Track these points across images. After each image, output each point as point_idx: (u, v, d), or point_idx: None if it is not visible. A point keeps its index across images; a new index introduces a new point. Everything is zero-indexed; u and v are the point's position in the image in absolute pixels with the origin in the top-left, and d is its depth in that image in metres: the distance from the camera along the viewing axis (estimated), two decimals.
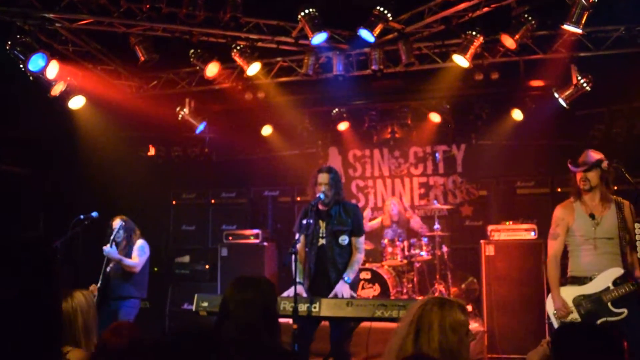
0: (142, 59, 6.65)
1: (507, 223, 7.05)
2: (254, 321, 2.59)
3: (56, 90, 6.59)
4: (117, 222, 5.78)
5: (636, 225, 4.01)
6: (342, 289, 4.56)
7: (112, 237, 5.60)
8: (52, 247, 1.90)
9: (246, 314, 2.59)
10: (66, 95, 6.77)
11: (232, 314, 2.61)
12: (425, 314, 2.28)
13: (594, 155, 4.31)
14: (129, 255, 5.74)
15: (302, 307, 4.05)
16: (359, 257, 4.79)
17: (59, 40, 6.67)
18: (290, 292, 4.39)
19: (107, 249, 5.52)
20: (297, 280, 4.60)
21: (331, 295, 4.54)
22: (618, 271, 4.16)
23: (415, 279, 7.52)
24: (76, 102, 6.95)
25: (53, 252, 2.00)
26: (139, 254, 5.79)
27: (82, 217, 5.48)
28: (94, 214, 5.57)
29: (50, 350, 1.71)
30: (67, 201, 7.38)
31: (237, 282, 2.75)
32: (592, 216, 4.28)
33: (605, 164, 4.19)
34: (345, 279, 4.64)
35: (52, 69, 6.29)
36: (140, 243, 5.85)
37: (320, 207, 4.77)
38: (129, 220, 5.90)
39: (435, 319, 2.26)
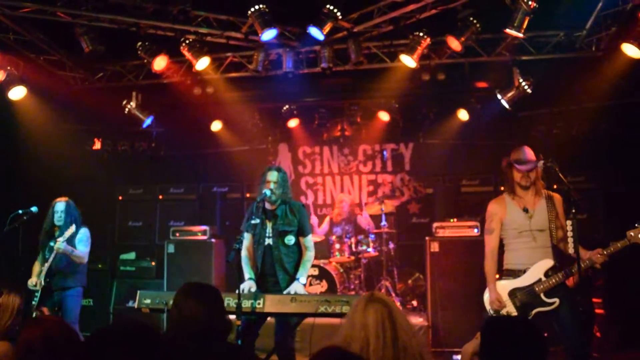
0: (87, 50, 6.49)
1: (452, 220, 7.22)
2: (204, 328, 2.60)
3: None
4: (60, 205, 5.62)
5: (567, 222, 4.18)
6: (295, 288, 4.58)
7: (65, 236, 5.38)
8: None
9: (195, 322, 2.60)
10: (6, 85, 6.57)
11: (182, 321, 2.62)
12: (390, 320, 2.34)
13: (531, 152, 4.48)
14: (73, 242, 5.55)
15: (246, 303, 4.05)
16: (310, 255, 4.81)
17: None
18: (243, 287, 4.41)
19: (62, 245, 5.29)
20: (248, 276, 4.61)
21: (285, 293, 4.55)
22: (548, 263, 4.33)
23: (362, 275, 7.61)
24: (17, 93, 6.73)
25: None
26: (86, 244, 5.62)
27: (20, 212, 5.30)
28: (34, 208, 5.39)
29: None
30: (6, 196, 7.12)
31: (185, 290, 2.75)
32: (525, 210, 4.43)
33: (540, 163, 4.36)
34: (299, 279, 4.66)
35: None
36: (84, 231, 5.68)
37: (267, 206, 4.78)
38: (72, 204, 5.72)
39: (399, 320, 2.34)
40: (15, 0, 5.94)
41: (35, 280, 5.41)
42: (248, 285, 4.57)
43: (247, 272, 4.69)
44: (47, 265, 5.39)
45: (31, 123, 7.36)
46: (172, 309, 2.70)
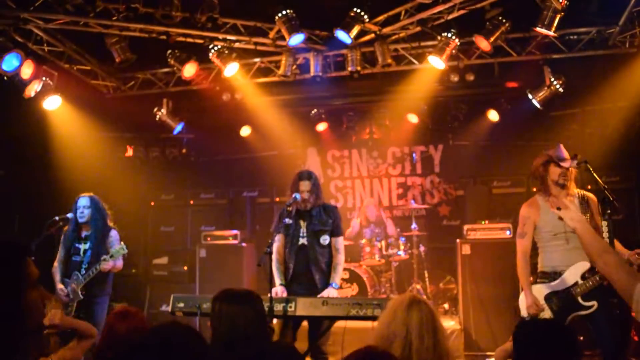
0: (119, 59, 6.64)
1: (483, 222, 7.13)
2: (253, 333, 2.61)
3: (31, 90, 6.52)
4: (84, 200, 5.45)
5: (603, 222, 4.07)
6: (329, 293, 4.63)
7: (112, 256, 5.24)
8: (20, 247, 1.90)
9: (245, 329, 2.61)
10: (41, 95, 6.70)
11: (230, 327, 2.62)
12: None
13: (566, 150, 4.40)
14: (105, 246, 5.44)
15: (278, 307, 4.07)
16: (341, 258, 4.86)
17: (33, 40, 6.59)
18: (273, 292, 4.44)
19: (109, 264, 5.21)
20: (279, 282, 4.65)
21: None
22: (585, 265, 4.19)
23: (393, 279, 7.57)
24: (52, 103, 6.87)
25: (22, 252, 1.98)
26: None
27: (57, 218, 5.38)
28: (70, 215, 5.46)
29: (11, 348, 1.69)
30: (43, 202, 7.30)
31: (226, 296, 2.74)
32: (559, 209, 4.31)
33: (574, 163, 4.28)
34: (333, 284, 4.72)
35: (27, 69, 6.24)
36: (115, 234, 5.56)
37: (300, 208, 4.83)
38: (97, 199, 5.55)
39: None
40: (48, 13, 6.09)
41: (67, 292, 5.32)
42: (280, 290, 4.61)
43: (278, 278, 4.72)
44: (85, 278, 5.27)
45: (66, 132, 7.52)
46: (218, 317, 2.66)
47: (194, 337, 1.98)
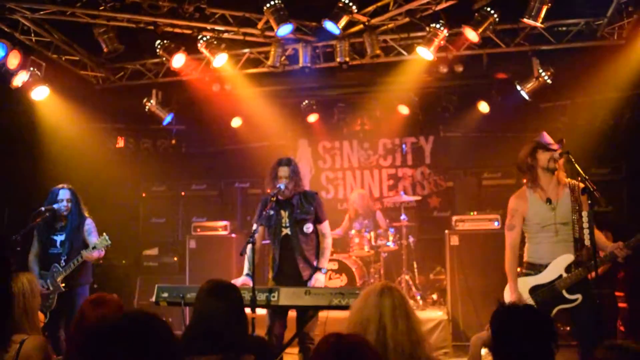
0: (106, 49, 6.60)
1: (472, 213, 7.15)
2: (229, 326, 2.67)
3: (18, 80, 6.49)
4: (65, 192, 5.43)
5: (584, 213, 4.06)
6: (318, 279, 4.68)
7: (92, 249, 5.27)
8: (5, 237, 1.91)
9: (213, 319, 2.68)
10: (29, 86, 6.67)
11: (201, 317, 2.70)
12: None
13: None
14: (82, 235, 5.45)
15: (261, 297, 4.09)
16: (328, 242, 4.91)
17: (20, 30, 6.56)
18: (235, 281, 4.47)
19: (93, 254, 5.22)
20: (246, 272, 4.66)
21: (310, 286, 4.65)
22: (569, 258, 4.18)
23: (382, 270, 7.58)
24: (40, 93, 6.85)
25: (5, 242, 1.99)
26: (96, 235, 5.46)
27: (42, 208, 5.36)
28: (56, 205, 5.43)
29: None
30: (32, 194, 7.28)
31: (211, 289, 2.81)
32: (548, 201, 4.27)
33: (556, 155, 4.27)
34: (322, 269, 4.77)
35: (14, 59, 6.21)
36: (90, 222, 5.53)
37: (280, 197, 4.82)
38: (74, 191, 5.53)
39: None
40: (35, 3, 6.06)
41: (47, 284, 5.25)
42: (242, 280, 4.62)
43: (246, 268, 4.73)
44: (66, 270, 5.26)
45: (54, 123, 7.49)
46: (199, 308, 2.78)
47: (162, 326, 1.97)
